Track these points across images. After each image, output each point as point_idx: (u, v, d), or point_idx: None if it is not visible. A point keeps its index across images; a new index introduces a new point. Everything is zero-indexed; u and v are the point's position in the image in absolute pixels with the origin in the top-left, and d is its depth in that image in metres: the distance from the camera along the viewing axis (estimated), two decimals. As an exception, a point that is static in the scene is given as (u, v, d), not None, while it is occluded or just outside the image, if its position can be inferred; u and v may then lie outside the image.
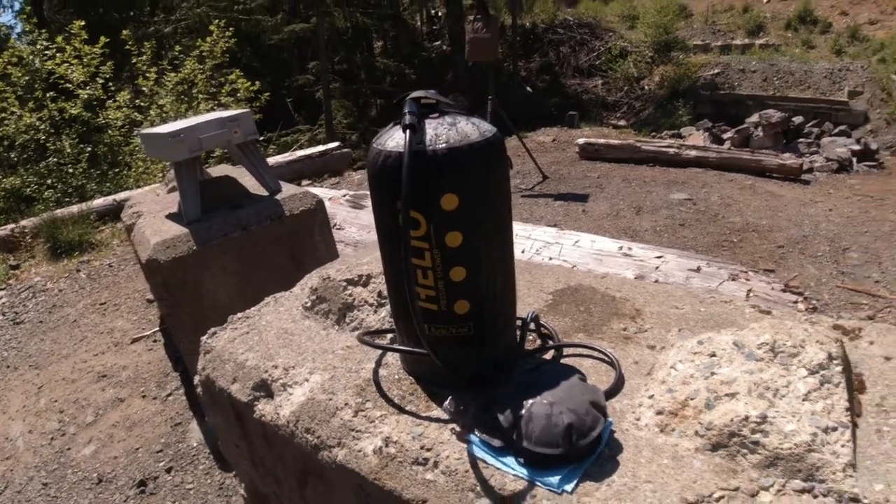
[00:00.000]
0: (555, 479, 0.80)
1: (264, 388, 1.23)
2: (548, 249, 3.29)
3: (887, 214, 5.24)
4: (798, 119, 9.38)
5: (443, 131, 0.87)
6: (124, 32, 7.81)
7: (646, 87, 12.70)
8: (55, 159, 7.05)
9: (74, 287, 4.34)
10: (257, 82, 8.22)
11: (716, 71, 11.80)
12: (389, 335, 1.24)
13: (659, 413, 0.91)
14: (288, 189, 2.86)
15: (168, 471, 2.53)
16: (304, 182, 6.79)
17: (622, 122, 11.86)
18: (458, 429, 0.93)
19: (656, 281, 2.92)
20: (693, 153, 6.96)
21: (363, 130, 13.85)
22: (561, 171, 6.98)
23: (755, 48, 12.60)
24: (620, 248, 3.30)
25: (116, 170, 7.37)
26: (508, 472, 0.84)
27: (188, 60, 7.99)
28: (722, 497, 0.75)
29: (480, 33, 5.71)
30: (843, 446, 0.79)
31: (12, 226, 5.36)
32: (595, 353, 1.10)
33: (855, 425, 0.86)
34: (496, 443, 0.86)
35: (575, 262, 3.17)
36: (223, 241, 2.51)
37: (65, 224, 5.13)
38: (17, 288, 4.33)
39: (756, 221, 5.09)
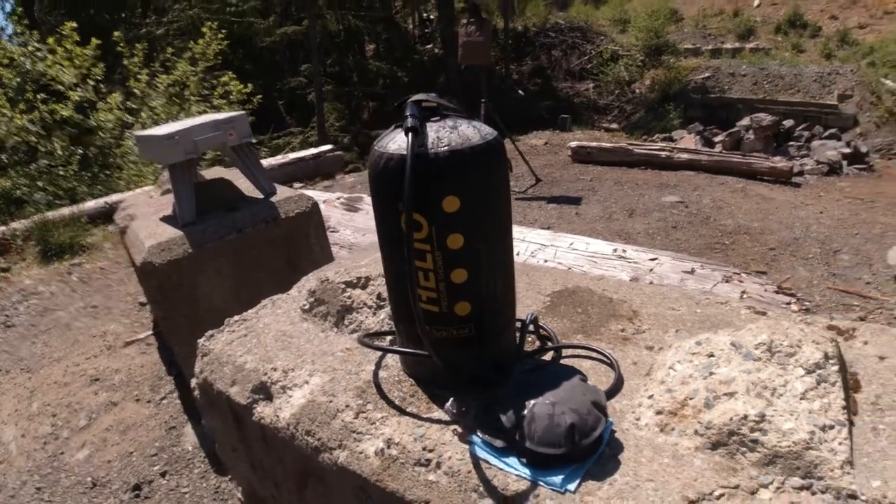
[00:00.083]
0: (557, 479, 0.80)
1: (263, 391, 1.23)
2: (543, 252, 3.30)
3: (877, 217, 5.30)
4: (788, 122, 9.46)
5: (444, 134, 0.88)
6: (116, 34, 7.75)
7: (637, 91, 12.78)
8: (46, 161, 6.99)
9: (66, 290, 4.31)
10: (249, 85, 8.19)
11: (706, 75, 11.89)
12: (389, 337, 1.24)
13: (659, 413, 0.92)
14: (283, 192, 2.86)
15: (163, 475, 2.51)
16: (297, 185, 6.78)
17: (614, 126, 11.92)
18: (459, 430, 0.94)
19: (651, 283, 2.93)
20: (685, 156, 7.01)
21: (355, 133, 13.83)
22: (554, 174, 7.01)
23: (745, 52, 12.70)
24: (615, 250, 3.32)
25: (107, 172, 7.32)
26: (511, 473, 0.84)
27: (180, 62, 7.96)
28: (722, 495, 0.76)
29: (474, 37, 5.73)
30: (840, 444, 0.80)
31: (3, 228, 5.31)
32: (594, 355, 1.11)
33: (851, 423, 0.87)
34: (498, 443, 0.87)
35: (570, 264, 3.18)
36: (219, 243, 2.51)
37: (56, 227, 5.09)
38: (8, 291, 4.29)
39: (747, 224, 5.13)
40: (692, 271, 3.06)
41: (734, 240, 4.81)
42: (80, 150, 7.15)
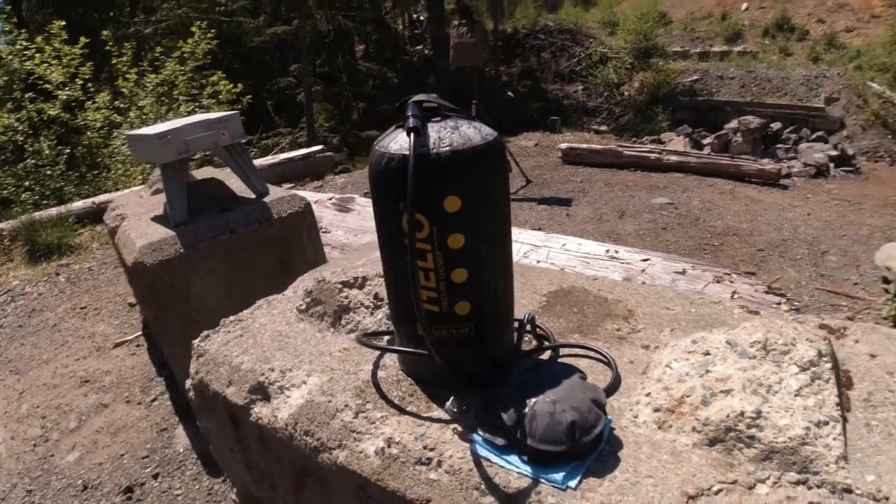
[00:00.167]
0: (559, 476, 0.81)
1: (261, 391, 1.22)
2: (535, 253, 3.32)
3: (864, 218, 5.37)
4: (776, 125, 9.57)
5: (446, 134, 0.89)
6: (104, 33, 7.70)
7: (626, 93, 12.87)
8: (33, 161, 6.93)
9: (54, 291, 4.27)
10: (239, 84, 8.16)
11: (694, 77, 12.00)
12: (387, 337, 1.25)
13: (656, 410, 0.93)
14: (276, 192, 2.86)
15: (155, 477, 2.50)
16: (286, 186, 6.75)
17: (603, 128, 11.99)
18: (460, 428, 0.95)
19: (643, 283, 2.95)
20: (674, 158, 7.07)
21: (344, 134, 13.82)
22: (544, 176, 7.03)
23: (733, 55, 12.83)
24: (607, 251, 3.35)
25: (95, 172, 7.27)
26: (512, 470, 0.85)
27: (169, 62, 7.91)
28: (721, 490, 0.78)
29: (465, 38, 5.74)
30: (834, 439, 0.82)
31: (-10, 228, 5.26)
32: (591, 354, 1.12)
33: (845, 420, 0.89)
34: (499, 441, 0.88)
35: (563, 265, 3.20)
36: (211, 243, 2.50)
37: (43, 227, 5.04)
38: (-5, 292, 4.25)
39: (736, 225, 5.18)
40: (683, 272, 3.08)
41: (723, 241, 4.86)
42: (67, 150, 7.09)
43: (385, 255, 1.03)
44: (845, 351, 1.08)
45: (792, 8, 13.97)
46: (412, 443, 0.95)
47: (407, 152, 0.86)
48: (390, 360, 1.18)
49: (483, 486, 0.85)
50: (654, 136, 10.58)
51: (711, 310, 1.27)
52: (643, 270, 3.13)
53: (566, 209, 5.81)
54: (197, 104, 7.77)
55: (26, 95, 7.03)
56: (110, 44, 7.52)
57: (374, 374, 1.15)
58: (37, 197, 6.59)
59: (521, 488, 0.83)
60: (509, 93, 13.73)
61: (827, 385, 0.90)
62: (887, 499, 0.76)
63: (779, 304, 2.74)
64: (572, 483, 0.81)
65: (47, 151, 6.93)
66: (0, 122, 6.81)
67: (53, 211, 5.53)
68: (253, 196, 2.80)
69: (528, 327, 1.17)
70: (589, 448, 0.84)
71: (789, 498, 0.76)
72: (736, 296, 2.78)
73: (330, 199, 4.83)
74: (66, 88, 7.04)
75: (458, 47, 5.81)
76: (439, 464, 0.91)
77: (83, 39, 7.11)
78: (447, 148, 0.87)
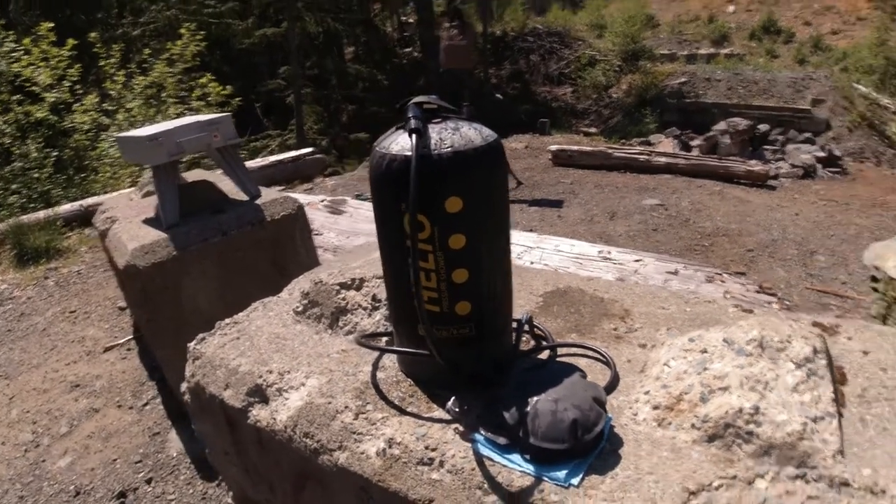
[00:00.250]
0: (561, 474, 0.82)
1: (259, 394, 1.22)
2: (529, 254, 3.33)
3: (852, 218, 5.43)
4: (763, 127, 9.65)
5: (447, 136, 0.89)
6: (92, 35, 7.64)
7: (614, 95, 12.95)
8: (20, 164, 6.86)
9: (43, 295, 4.23)
10: (228, 86, 8.12)
11: (682, 80, 12.09)
12: (385, 338, 1.25)
13: (655, 408, 0.94)
14: (268, 194, 2.85)
15: (148, 481, 2.48)
16: (276, 188, 6.73)
17: (592, 130, 12.05)
18: (461, 428, 0.95)
19: (636, 283, 2.98)
20: (663, 160, 7.11)
21: (334, 136, 13.78)
22: (535, 178, 7.06)
23: (720, 57, 12.96)
24: (600, 252, 3.37)
25: (83, 175, 7.20)
26: (515, 469, 0.86)
27: (157, 64, 7.86)
28: (721, 485, 0.79)
29: (456, 41, 5.76)
30: (831, 434, 0.83)
31: (-24, 232, 5.20)
32: (589, 353, 1.13)
33: (840, 415, 0.90)
34: (502, 440, 0.88)
35: (556, 265, 3.21)
36: (203, 245, 2.49)
37: (31, 230, 4.99)
38: (-17, 297, 4.20)
39: (726, 226, 5.22)
40: (676, 272, 3.11)
41: (713, 241, 4.90)
42: (55, 153, 7.03)
43: (385, 255, 1.03)
44: (838, 348, 1.09)
45: (778, 11, 14.13)
46: (414, 443, 0.95)
47: (408, 153, 0.86)
48: (389, 360, 1.18)
49: (486, 486, 0.85)
50: (643, 137, 10.65)
51: (706, 309, 1.28)
52: (636, 271, 3.15)
53: (557, 211, 5.84)
54: (186, 106, 7.72)
55: (13, 98, 6.96)
56: (98, 46, 7.46)
57: (373, 375, 1.15)
58: (24, 200, 6.51)
59: (524, 487, 0.83)
60: (498, 95, 13.77)
61: (822, 381, 0.91)
62: (884, 492, 0.77)
63: (770, 303, 2.77)
64: (575, 480, 0.81)
65: (35, 154, 6.85)
66: (-13, 124, 6.74)
67: (41, 214, 5.48)
68: (245, 198, 2.79)
69: (527, 327, 1.17)
70: (591, 446, 0.85)
71: (788, 492, 0.77)
72: (728, 295, 2.81)
73: (321, 201, 4.82)
74: (54, 90, 6.98)
75: (449, 49, 5.83)
76: (441, 464, 0.91)
77: (71, 41, 7.04)
78: (449, 149, 0.88)
